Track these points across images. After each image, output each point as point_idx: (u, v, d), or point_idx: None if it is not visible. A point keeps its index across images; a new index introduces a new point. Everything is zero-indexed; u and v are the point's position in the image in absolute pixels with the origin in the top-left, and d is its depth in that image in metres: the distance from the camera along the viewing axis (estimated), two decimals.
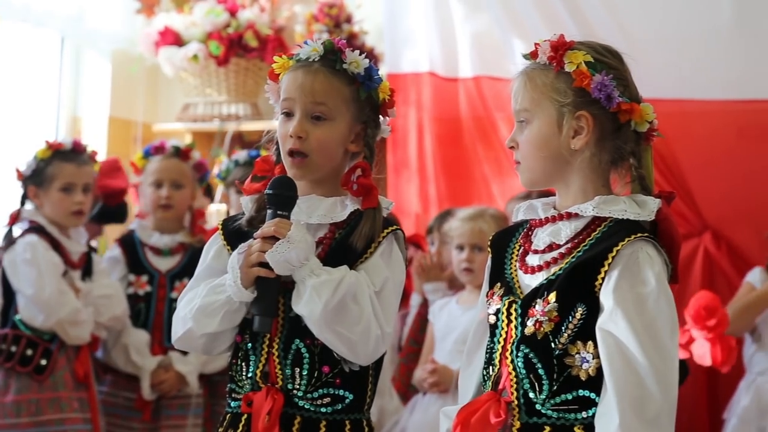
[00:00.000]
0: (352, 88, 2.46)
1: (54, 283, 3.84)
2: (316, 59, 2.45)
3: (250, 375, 2.41)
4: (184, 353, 4.09)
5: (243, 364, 2.43)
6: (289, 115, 2.45)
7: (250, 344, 2.42)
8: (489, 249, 2.37)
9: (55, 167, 3.99)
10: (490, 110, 5.00)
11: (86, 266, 4.07)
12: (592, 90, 2.19)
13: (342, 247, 2.41)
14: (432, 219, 4.68)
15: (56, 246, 3.95)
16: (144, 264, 4.21)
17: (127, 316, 4.10)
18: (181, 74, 5.63)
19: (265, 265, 2.34)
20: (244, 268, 2.34)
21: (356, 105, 2.47)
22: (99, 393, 4.12)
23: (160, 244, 4.24)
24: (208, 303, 2.39)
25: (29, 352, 3.88)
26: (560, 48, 2.22)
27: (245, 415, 2.41)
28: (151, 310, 4.15)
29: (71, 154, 4.03)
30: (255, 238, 2.37)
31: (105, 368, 4.17)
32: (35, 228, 3.94)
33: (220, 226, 2.54)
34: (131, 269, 4.20)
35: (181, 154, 4.32)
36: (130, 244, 4.24)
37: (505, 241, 2.34)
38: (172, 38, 5.54)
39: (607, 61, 2.23)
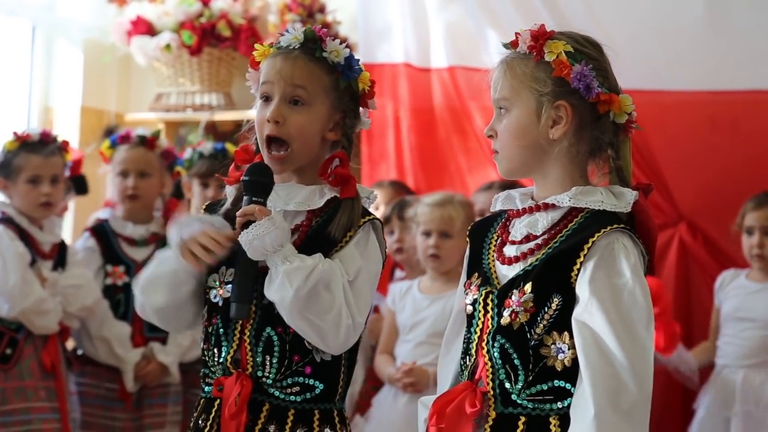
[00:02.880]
0: (331, 76, 2.46)
1: (18, 273, 3.82)
2: (296, 47, 2.44)
3: (221, 360, 2.42)
4: (164, 343, 4.10)
5: (215, 349, 2.43)
6: (267, 99, 2.45)
7: (222, 329, 2.42)
8: (468, 239, 2.37)
9: (21, 159, 3.97)
10: (465, 101, 5.00)
11: (59, 257, 4.05)
12: (571, 80, 2.18)
13: (318, 235, 2.40)
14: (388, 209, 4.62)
15: (25, 236, 3.93)
16: (119, 254, 4.20)
17: (99, 306, 4.08)
18: (153, 64, 5.61)
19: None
20: (188, 243, 2.36)
21: (335, 94, 2.46)
22: (80, 384, 4.15)
23: (135, 235, 4.23)
24: (155, 274, 2.44)
25: None
26: (540, 37, 2.22)
27: (218, 400, 2.41)
28: (131, 301, 4.14)
29: (38, 145, 4.00)
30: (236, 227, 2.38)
31: (85, 359, 4.16)
32: (3, 219, 3.93)
33: (203, 210, 2.55)
34: (107, 260, 4.19)
35: (147, 142, 4.30)
36: (103, 234, 4.23)
37: (484, 231, 2.34)
38: (145, 28, 5.52)
39: (587, 51, 2.22)
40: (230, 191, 2.50)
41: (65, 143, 4.12)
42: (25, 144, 3.99)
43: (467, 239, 2.37)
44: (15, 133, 4.02)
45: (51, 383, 3.94)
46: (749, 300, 4.28)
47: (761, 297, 4.27)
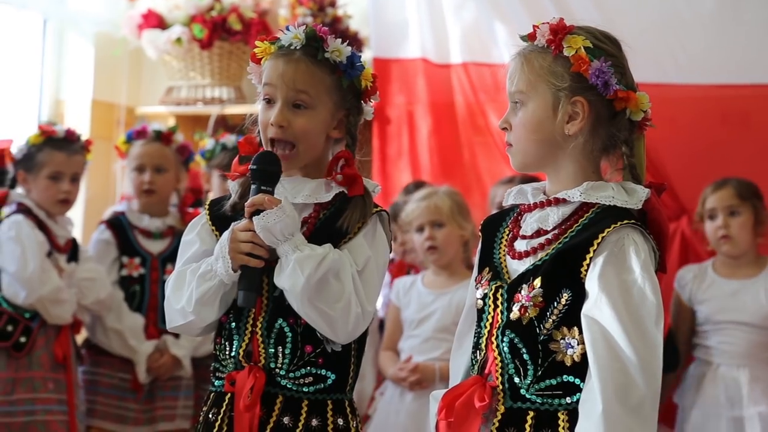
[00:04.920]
0: (334, 76, 2.47)
1: (37, 261, 3.84)
2: (297, 47, 2.45)
3: (233, 354, 2.43)
4: (177, 336, 4.13)
5: (227, 343, 2.45)
6: (270, 102, 2.46)
7: (234, 323, 2.44)
8: (480, 233, 2.37)
9: (45, 154, 3.99)
10: (479, 96, 5.00)
11: (72, 252, 4.06)
12: (589, 76, 2.18)
13: (326, 228, 2.43)
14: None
15: (43, 228, 3.95)
16: (135, 246, 4.22)
17: (113, 298, 4.09)
18: (164, 57, 5.61)
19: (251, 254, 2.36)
20: (233, 253, 2.36)
21: (338, 93, 2.48)
22: (93, 374, 4.16)
23: (152, 228, 4.25)
24: (203, 293, 2.40)
25: (9, 328, 3.87)
26: (560, 32, 2.21)
27: (229, 395, 2.43)
28: (146, 292, 4.17)
29: (63, 142, 4.02)
30: (244, 217, 2.39)
31: (99, 349, 4.17)
32: (22, 209, 3.94)
33: (207, 207, 2.56)
34: (123, 251, 4.21)
35: (163, 137, 4.31)
36: (119, 227, 4.24)
37: (496, 225, 2.35)
38: (156, 21, 5.53)
39: (605, 47, 2.22)
40: (233, 186, 2.52)
41: (88, 142, 4.14)
42: (50, 139, 4.01)
43: (471, 225, 2.38)
44: (40, 127, 4.03)
45: (61, 375, 3.95)
46: (729, 302, 4.14)
47: (741, 297, 4.13)
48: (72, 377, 3.98)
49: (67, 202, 4.02)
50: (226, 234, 2.40)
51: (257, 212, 2.35)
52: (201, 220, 2.54)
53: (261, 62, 2.50)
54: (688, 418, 4.17)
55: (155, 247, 4.24)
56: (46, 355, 3.93)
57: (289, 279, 2.33)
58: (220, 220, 2.49)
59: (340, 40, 2.48)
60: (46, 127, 4.04)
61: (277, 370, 2.40)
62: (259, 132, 2.51)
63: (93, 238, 4.28)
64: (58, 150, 4.00)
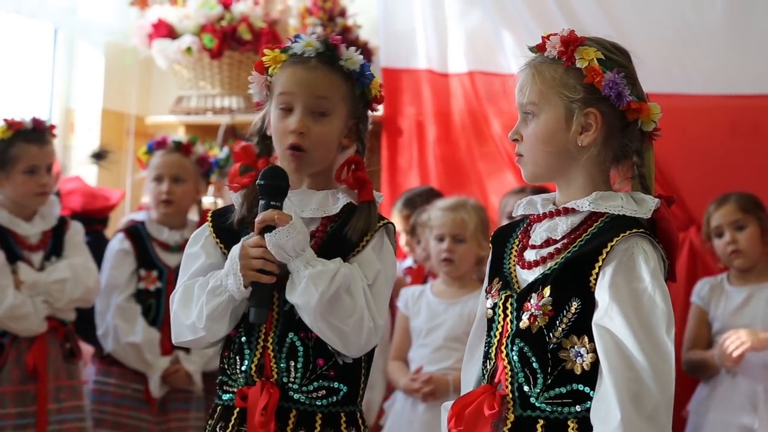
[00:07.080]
0: (348, 84, 2.48)
1: None
2: (312, 55, 2.46)
3: (244, 369, 2.43)
4: (188, 351, 4.11)
5: (237, 357, 2.44)
6: (286, 110, 2.46)
7: (244, 338, 2.43)
8: (491, 244, 2.38)
9: (18, 149, 3.85)
10: (484, 105, 5.01)
11: (55, 242, 3.98)
12: (603, 87, 2.19)
13: (334, 240, 2.43)
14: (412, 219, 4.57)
15: (6, 234, 3.84)
16: (153, 259, 4.19)
17: (91, 294, 4.02)
18: (174, 67, 5.62)
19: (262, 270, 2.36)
20: (244, 270, 2.35)
21: (351, 101, 2.50)
22: (106, 384, 4.14)
23: (171, 241, 4.22)
24: (213, 308, 2.39)
25: None
26: (571, 43, 2.21)
27: (237, 409, 2.42)
28: (162, 307, 4.15)
29: (33, 133, 3.89)
30: (253, 232, 2.38)
31: (111, 360, 4.14)
32: None
33: (209, 218, 2.54)
34: (140, 263, 4.17)
35: (182, 148, 4.28)
36: (138, 237, 4.21)
37: (506, 236, 2.35)
38: (166, 31, 5.54)
39: (616, 58, 2.23)
40: (236, 198, 2.51)
41: (53, 127, 4.01)
42: (19, 132, 3.87)
43: (489, 244, 2.38)
44: (6, 121, 3.88)
45: (31, 387, 3.85)
46: (742, 309, 4.14)
47: (754, 303, 4.13)
48: (44, 386, 3.87)
49: (45, 195, 3.91)
50: (236, 250, 2.38)
51: (267, 228, 2.35)
52: (204, 232, 2.53)
53: (267, 71, 2.50)
54: (701, 428, 4.15)
55: (172, 260, 4.18)
56: (17, 369, 3.84)
57: (302, 296, 2.33)
58: (225, 233, 2.48)
59: (352, 48, 2.49)
60: (12, 120, 3.88)
61: (290, 385, 2.40)
62: (258, 142, 2.52)
63: (111, 247, 4.21)
64: (30, 143, 3.87)
